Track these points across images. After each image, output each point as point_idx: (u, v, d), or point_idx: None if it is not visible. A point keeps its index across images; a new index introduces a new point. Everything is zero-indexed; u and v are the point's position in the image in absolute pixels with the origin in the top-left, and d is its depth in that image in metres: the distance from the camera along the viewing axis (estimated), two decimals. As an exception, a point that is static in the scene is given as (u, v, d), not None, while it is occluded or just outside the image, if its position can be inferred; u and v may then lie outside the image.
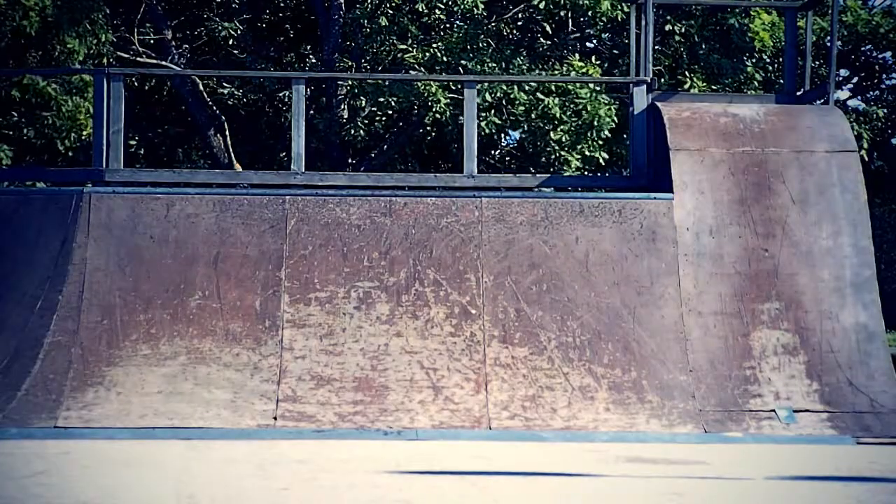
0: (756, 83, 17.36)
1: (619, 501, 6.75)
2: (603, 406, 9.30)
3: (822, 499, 6.88)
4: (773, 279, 9.99)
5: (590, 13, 16.73)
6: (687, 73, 17.33)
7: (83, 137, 16.69)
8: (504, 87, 16.03)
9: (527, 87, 16.07)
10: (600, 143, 16.02)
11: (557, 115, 15.65)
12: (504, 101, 16.14)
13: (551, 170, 16.32)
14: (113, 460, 7.72)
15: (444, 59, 16.56)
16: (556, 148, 16.01)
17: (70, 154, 17.69)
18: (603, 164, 16.37)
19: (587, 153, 15.81)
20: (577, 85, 15.83)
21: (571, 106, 15.80)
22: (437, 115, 16.45)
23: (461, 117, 13.99)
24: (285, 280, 9.84)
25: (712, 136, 10.54)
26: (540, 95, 15.86)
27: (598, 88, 15.88)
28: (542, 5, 16.66)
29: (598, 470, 7.65)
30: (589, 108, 15.64)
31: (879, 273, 11.03)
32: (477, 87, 12.27)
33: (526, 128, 16.55)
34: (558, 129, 15.80)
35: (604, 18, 16.83)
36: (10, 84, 16.71)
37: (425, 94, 16.23)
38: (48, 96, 16.45)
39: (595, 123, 15.66)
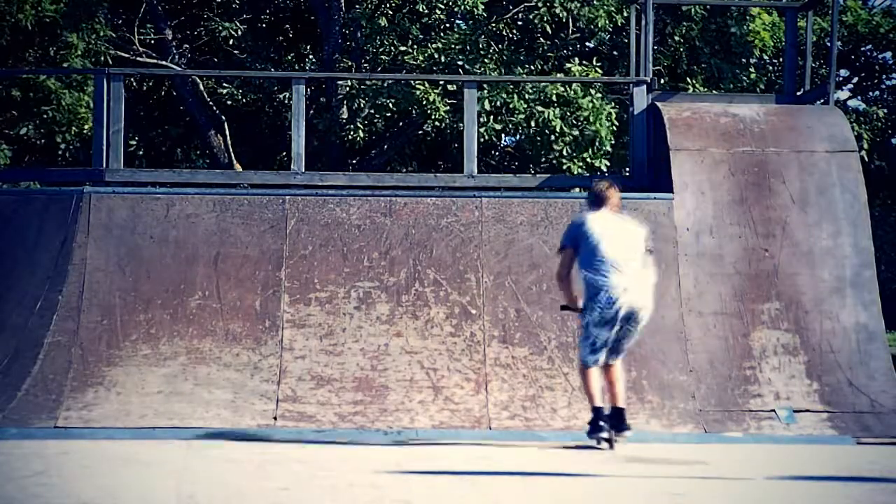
0: (758, 90, 17.36)
1: (619, 501, 6.75)
2: (603, 406, 9.29)
3: (821, 499, 6.88)
4: (773, 279, 9.99)
5: (591, 26, 16.77)
6: (688, 78, 17.33)
7: (84, 132, 16.67)
8: (504, 96, 15.96)
9: (526, 95, 15.99)
10: (602, 152, 16.01)
11: (558, 128, 15.60)
12: (504, 110, 16.11)
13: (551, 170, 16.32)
14: (113, 460, 7.72)
15: (444, 60, 16.55)
16: (557, 156, 15.99)
17: (70, 151, 17.69)
18: (605, 171, 16.35)
19: (589, 161, 15.80)
20: (579, 94, 15.75)
21: (572, 119, 15.75)
22: (437, 124, 16.47)
23: (460, 124, 13.95)
24: (285, 280, 9.84)
25: (712, 136, 10.54)
26: (540, 108, 15.77)
27: (598, 95, 15.82)
28: (544, 14, 16.68)
29: (598, 470, 7.65)
30: (591, 119, 15.60)
31: (879, 273, 11.04)
32: (477, 87, 12.28)
33: (526, 134, 16.52)
34: (560, 141, 15.77)
35: (605, 29, 16.87)
36: (11, 83, 16.72)
37: (424, 103, 16.22)
38: (48, 90, 16.45)
39: (597, 142, 15.63)
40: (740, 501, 6.83)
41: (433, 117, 16.32)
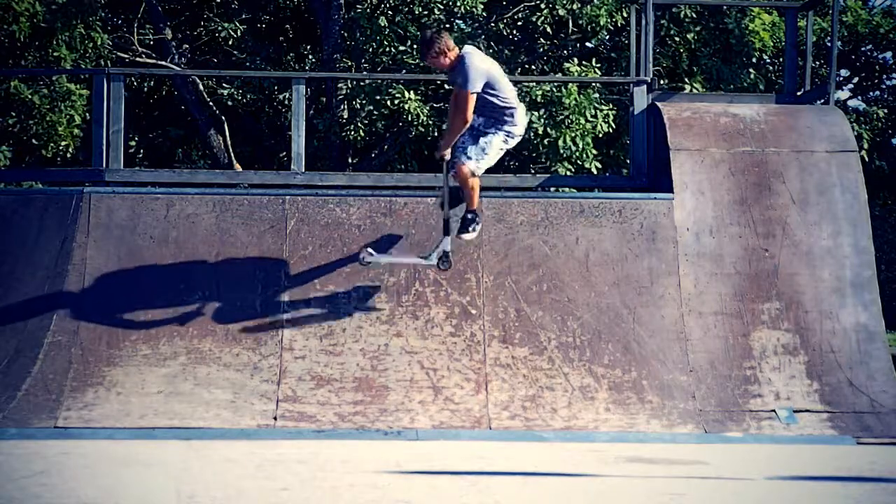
0: (759, 90, 17.34)
1: (619, 501, 6.75)
2: (603, 406, 9.30)
3: (821, 499, 6.88)
4: (773, 279, 9.99)
5: (591, 26, 16.76)
6: (687, 79, 17.30)
7: (60, 148, 16.71)
8: None
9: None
10: (594, 152, 15.98)
11: (540, 130, 15.58)
12: None
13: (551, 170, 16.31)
14: (113, 460, 7.72)
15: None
16: (543, 160, 15.98)
17: (70, 152, 17.70)
18: (595, 172, 16.33)
19: (579, 163, 15.78)
20: (565, 94, 15.70)
21: (558, 117, 15.71)
22: (421, 129, 16.51)
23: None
24: (285, 280, 9.84)
25: (712, 136, 10.54)
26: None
27: (587, 92, 15.76)
28: (546, 15, 16.66)
29: (598, 470, 7.65)
30: (572, 118, 15.56)
31: (879, 273, 11.05)
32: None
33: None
34: (541, 144, 15.76)
35: (605, 30, 16.86)
36: (9, 85, 16.71)
37: (402, 112, 16.22)
38: (32, 105, 16.45)
39: (580, 148, 15.61)
40: (740, 501, 6.84)
41: (415, 124, 16.35)
